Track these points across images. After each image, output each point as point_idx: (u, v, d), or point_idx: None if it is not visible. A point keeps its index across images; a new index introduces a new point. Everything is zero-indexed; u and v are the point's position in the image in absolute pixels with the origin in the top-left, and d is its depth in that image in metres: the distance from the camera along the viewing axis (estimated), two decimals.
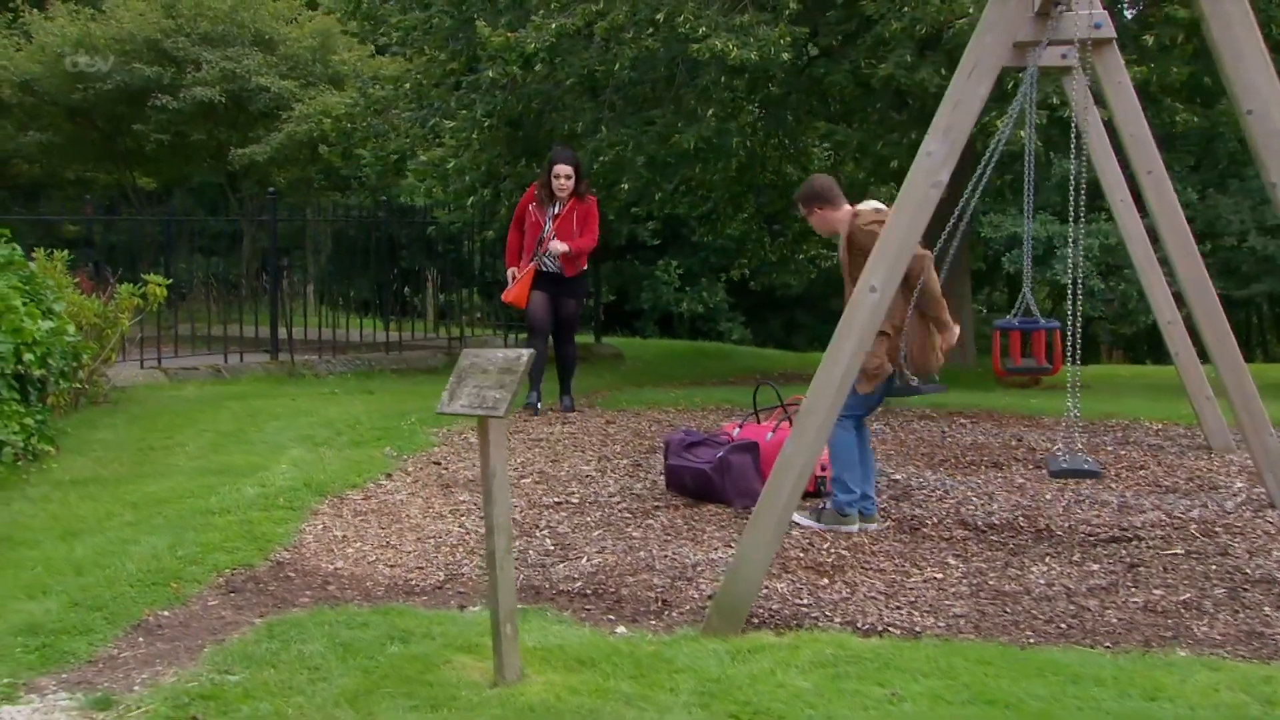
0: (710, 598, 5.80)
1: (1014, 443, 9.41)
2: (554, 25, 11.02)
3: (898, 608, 5.63)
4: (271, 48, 21.08)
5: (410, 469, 8.32)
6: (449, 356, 14.95)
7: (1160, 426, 10.06)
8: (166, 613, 5.59)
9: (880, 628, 5.36)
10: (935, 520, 7.11)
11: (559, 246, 10.31)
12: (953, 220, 6.29)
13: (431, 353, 15.02)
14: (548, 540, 6.78)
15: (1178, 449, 9.17)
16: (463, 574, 6.26)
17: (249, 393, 11.68)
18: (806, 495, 7.22)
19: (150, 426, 9.69)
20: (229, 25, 20.87)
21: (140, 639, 5.27)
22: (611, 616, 5.63)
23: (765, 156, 15.26)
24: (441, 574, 6.26)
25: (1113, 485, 7.94)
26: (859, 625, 5.38)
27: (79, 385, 10.02)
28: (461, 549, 6.66)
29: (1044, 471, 8.38)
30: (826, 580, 6.02)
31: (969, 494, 7.71)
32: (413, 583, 6.13)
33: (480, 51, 12.59)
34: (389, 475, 8.13)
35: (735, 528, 6.89)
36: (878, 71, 11.20)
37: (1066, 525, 7.00)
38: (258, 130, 21.13)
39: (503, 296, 10.77)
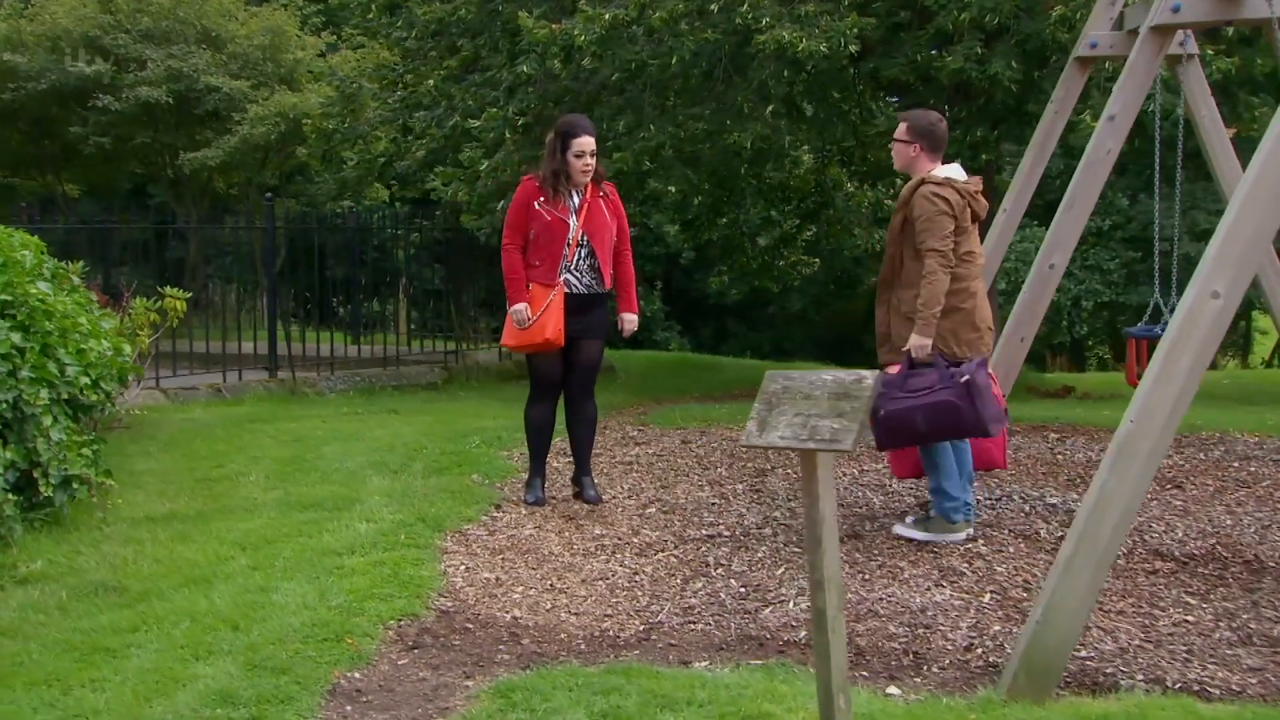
0: (968, 649, 5.16)
1: None
2: (607, 16, 10.23)
3: (1184, 660, 5.03)
4: (219, 46, 19.95)
5: (514, 498, 7.52)
6: (446, 371, 14.10)
7: (1257, 439, 9.58)
8: (357, 674, 4.80)
9: (1195, 687, 4.73)
10: (1124, 550, 6.50)
11: (631, 324, 7.63)
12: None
13: (428, 368, 14.11)
14: (732, 581, 6.05)
15: None
16: (661, 622, 5.53)
17: (263, 414, 10.71)
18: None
19: (190, 454, 8.76)
20: (172, 21, 19.70)
21: (348, 707, 4.50)
22: (864, 673, 4.95)
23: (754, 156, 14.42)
24: (638, 622, 5.53)
25: None
26: (1168, 684, 4.76)
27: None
28: (640, 593, 5.91)
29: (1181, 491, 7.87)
30: None
31: (1140, 519, 7.12)
32: (610, 633, 5.40)
33: (504, 44, 11.79)
34: (497, 506, 7.31)
35: (931, 564, 6.22)
36: (946, 64, 10.58)
37: (1276, 556, 6.45)
38: (205, 133, 19.99)
39: (510, 340, 7.36)
